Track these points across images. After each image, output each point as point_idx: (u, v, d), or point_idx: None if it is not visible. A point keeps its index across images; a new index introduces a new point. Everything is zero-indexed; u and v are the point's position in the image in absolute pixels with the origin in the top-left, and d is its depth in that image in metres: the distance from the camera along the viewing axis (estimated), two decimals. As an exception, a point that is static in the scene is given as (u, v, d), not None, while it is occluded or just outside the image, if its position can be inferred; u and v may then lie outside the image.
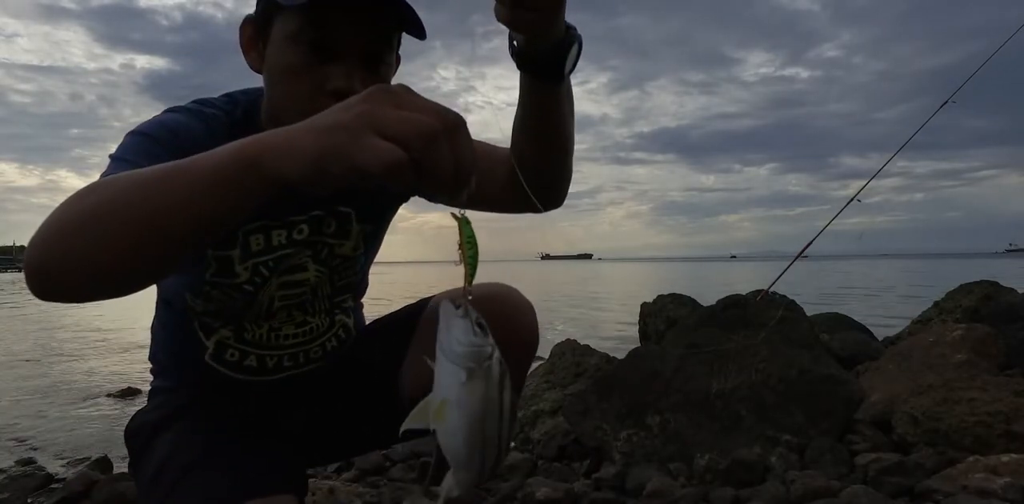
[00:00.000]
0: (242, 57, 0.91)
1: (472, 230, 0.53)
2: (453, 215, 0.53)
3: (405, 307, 1.20)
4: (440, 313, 0.52)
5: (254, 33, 0.91)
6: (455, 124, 0.50)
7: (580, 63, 0.82)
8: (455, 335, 0.50)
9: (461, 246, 0.52)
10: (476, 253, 0.52)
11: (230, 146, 0.56)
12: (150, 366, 1.18)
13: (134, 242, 0.58)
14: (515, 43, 0.80)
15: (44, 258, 0.61)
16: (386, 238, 1.19)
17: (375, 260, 1.20)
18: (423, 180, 0.49)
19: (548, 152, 0.92)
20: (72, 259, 0.59)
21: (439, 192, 0.51)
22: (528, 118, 0.88)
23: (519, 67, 0.82)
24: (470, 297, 0.52)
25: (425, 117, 0.49)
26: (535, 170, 0.91)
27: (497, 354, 0.51)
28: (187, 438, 0.98)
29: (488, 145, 1.00)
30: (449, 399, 0.50)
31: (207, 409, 1.05)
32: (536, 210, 0.96)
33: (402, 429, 0.52)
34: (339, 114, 0.51)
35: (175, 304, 1.04)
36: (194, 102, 0.93)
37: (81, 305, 0.70)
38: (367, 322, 1.26)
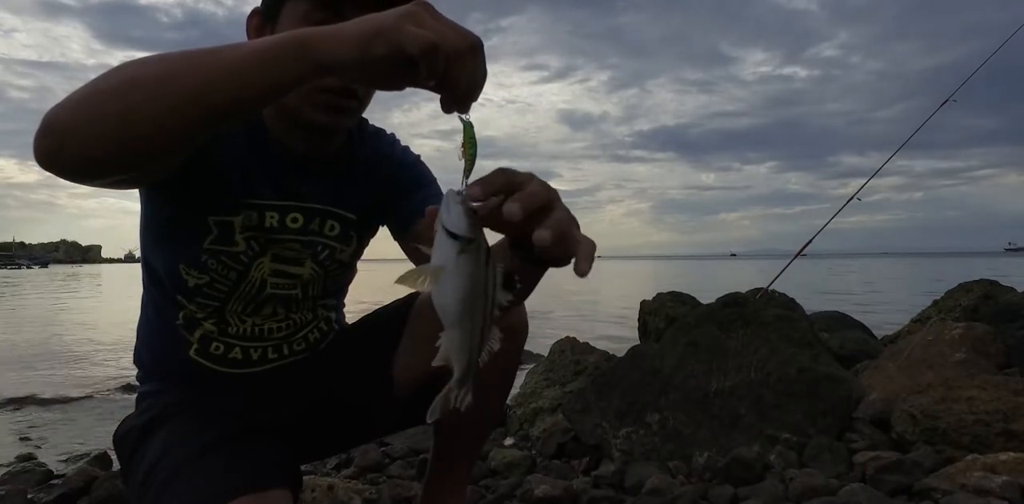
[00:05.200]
0: None
1: (473, 132, 0.59)
2: (460, 118, 0.60)
3: (395, 301, 1.21)
4: (444, 197, 0.58)
5: (261, 22, 0.94)
6: (476, 46, 0.57)
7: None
8: (454, 213, 0.56)
9: (464, 146, 0.60)
10: (475, 152, 0.59)
11: (283, 33, 0.61)
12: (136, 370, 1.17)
13: (173, 108, 0.60)
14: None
15: (75, 115, 0.61)
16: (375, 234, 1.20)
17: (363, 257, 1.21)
18: (443, 89, 0.58)
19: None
20: (107, 119, 0.60)
21: (452, 100, 0.58)
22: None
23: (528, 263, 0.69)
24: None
25: (457, 34, 0.56)
26: None
27: (484, 244, 0.57)
28: (177, 437, 0.98)
29: None
30: (445, 267, 0.55)
31: (196, 408, 1.05)
32: None
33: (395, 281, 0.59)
34: (388, 11, 0.57)
35: (166, 283, 1.03)
36: None
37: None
38: (357, 319, 1.27)
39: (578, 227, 0.59)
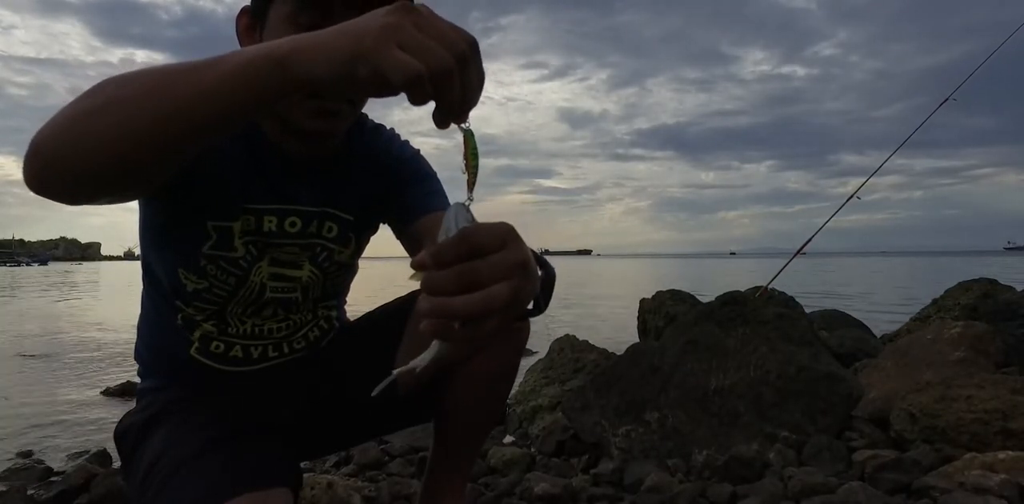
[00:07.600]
0: None
1: (475, 142, 0.57)
2: (460, 128, 0.57)
3: (396, 299, 1.21)
4: (449, 210, 0.56)
5: (251, 21, 0.93)
6: (467, 56, 0.53)
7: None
8: (461, 227, 0.55)
9: (466, 157, 0.57)
10: (478, 164, 0.57)
11: (260, 46, 0.58)
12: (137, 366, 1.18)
13: (154, 127, 0.59)
14: None
15: (59, 137, 0.61)
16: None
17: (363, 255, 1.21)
18: (435, 103, 0.53)
19: None
20: (89, 140, 0.59)
21: (446, 115, 0.54)
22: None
23: None
24: (471, 201, 0.58)
25: (442, 50, 0.51)
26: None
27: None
28: (178, 435, 0.98)
29: None
30: None
31: (196, 406, 1.05)
32: None
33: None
34: (368, 21, 0.53)
35: (164, 285, 1.03)
36: None
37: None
38: (358, 316, 1.27)
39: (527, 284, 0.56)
